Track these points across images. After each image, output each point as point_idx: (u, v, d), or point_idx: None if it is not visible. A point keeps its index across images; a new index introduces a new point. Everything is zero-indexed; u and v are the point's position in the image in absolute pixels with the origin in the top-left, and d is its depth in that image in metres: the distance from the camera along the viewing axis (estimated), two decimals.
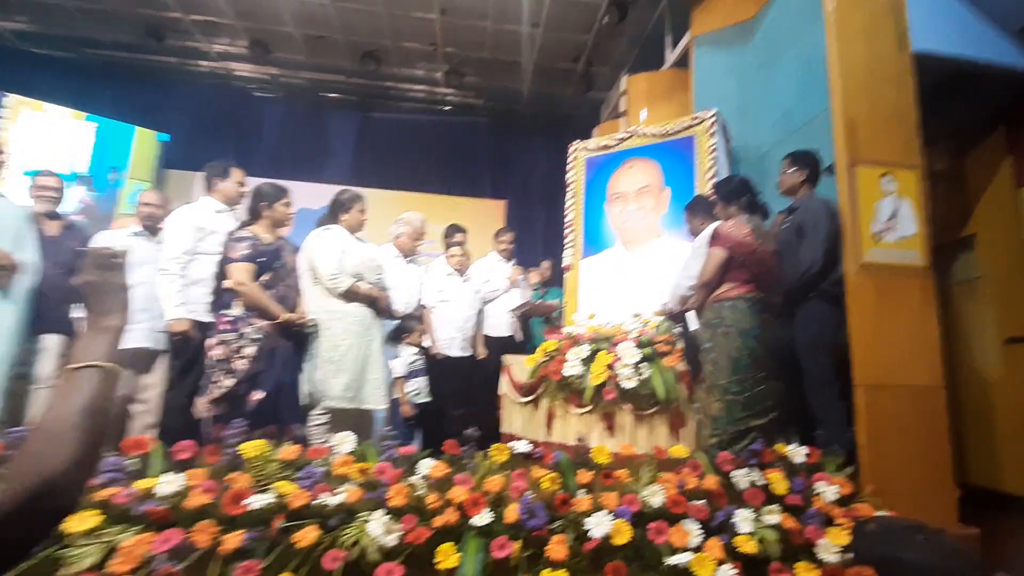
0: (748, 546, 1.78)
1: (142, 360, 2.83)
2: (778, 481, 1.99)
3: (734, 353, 2.23)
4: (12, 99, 5.24)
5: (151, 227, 3.02)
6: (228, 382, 2.36)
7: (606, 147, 3.87)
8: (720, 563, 1.72)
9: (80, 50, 6.09)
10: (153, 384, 2.83)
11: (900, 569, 1.57)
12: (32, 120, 5.24)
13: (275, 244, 2.61)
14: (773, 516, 1.89)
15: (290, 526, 1.54)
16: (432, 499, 1.72)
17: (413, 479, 1.79)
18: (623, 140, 3.80)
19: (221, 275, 2.51)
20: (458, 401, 3.39)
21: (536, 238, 6.75)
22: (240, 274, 2.43)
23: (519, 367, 3.06)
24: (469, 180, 7.01)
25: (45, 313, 2.81)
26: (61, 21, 5.63)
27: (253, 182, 2.84)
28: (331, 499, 1.62)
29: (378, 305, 2.86)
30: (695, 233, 2.85)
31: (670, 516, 1.83)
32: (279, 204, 2.65)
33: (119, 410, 2.80)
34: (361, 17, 5.37)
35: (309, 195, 5.82)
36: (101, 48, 6.05)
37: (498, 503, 1.79)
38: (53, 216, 2.99)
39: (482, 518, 1.69)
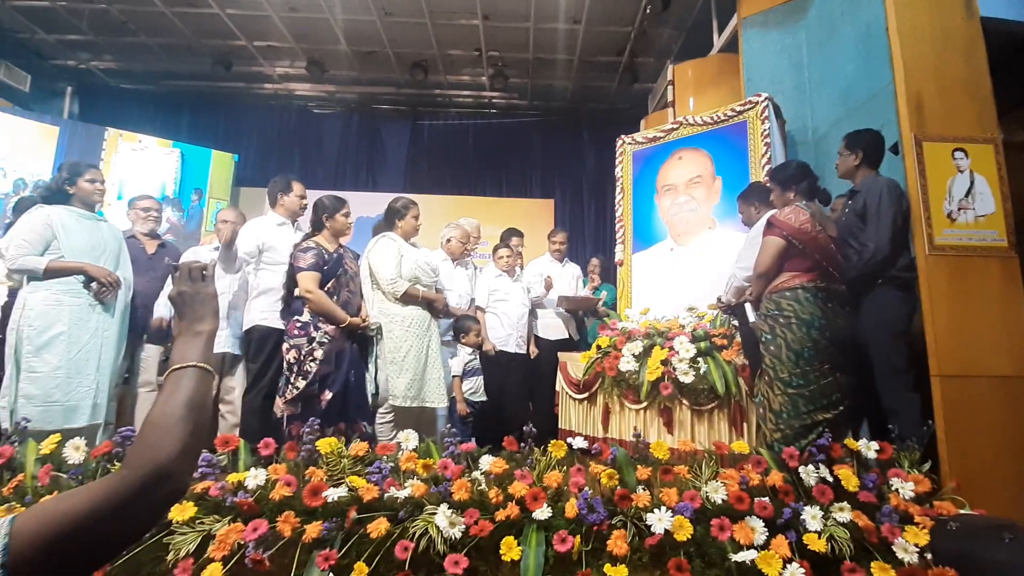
0: (817, 544, 1.73)
1: (224, 364, 3.10)
2: (848, 477, 1.91)
3: (796, 345, 2.16)
4: (111, 132, 5.81)
5: (227, 244, 3.28)
6: (301, 383, 2.53)
7: (654, 139, 3.82)
8: (787, 561, 1.69)
9: (160, 83, 6.65)
10: (235, 387, 3.08)
11: (985, 569, 1.48)
12: (128, 150, 5.80)
13: (337, 253, 2.77)
14: (844, 514, 1.82)
15: (363, 518, 1.65)
16: (493, 494, 1.78)
17: (475, 474, 1.86)
18: (671, 131, 3.73)
19: (291, 284, 2.70)
20: (513, 398, 3.46)
21: (586, 235, 6.74)
22: (307, 282, 2.60)
23: (574, 364, 3.09)
24: (518, 181, 7.09)
25: (147, 324, 3.14)
26: (142, 57, 6.17)
27: (315, 195, 3.02)
28: (399, 493, 1.72)
29: (435, 307, 2.99)
30: (750, 222, 2.77)
31: (733, 513, 1.80)
32: (339, 215, 2.81)
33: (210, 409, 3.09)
34: (408, 29, 5.56)
35: (366, 204, 6.10)
36: (178, 79, 6.58)
37: (557, 498, 1.83)
38: (152, 236, 3.33)
39: (542, 512, 1.74)
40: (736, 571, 1.66)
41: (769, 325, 2.24)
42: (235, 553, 1.56)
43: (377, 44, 5.82)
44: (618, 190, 3.91)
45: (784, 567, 1.66)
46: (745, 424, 2.46)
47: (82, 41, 5.89)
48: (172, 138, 6.21)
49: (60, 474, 1.80)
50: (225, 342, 3.05)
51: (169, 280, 2.77)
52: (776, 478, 1.91)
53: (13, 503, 1.72)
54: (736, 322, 2.61)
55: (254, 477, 1.71)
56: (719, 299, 2.69)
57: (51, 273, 2.57)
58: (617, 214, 3.89)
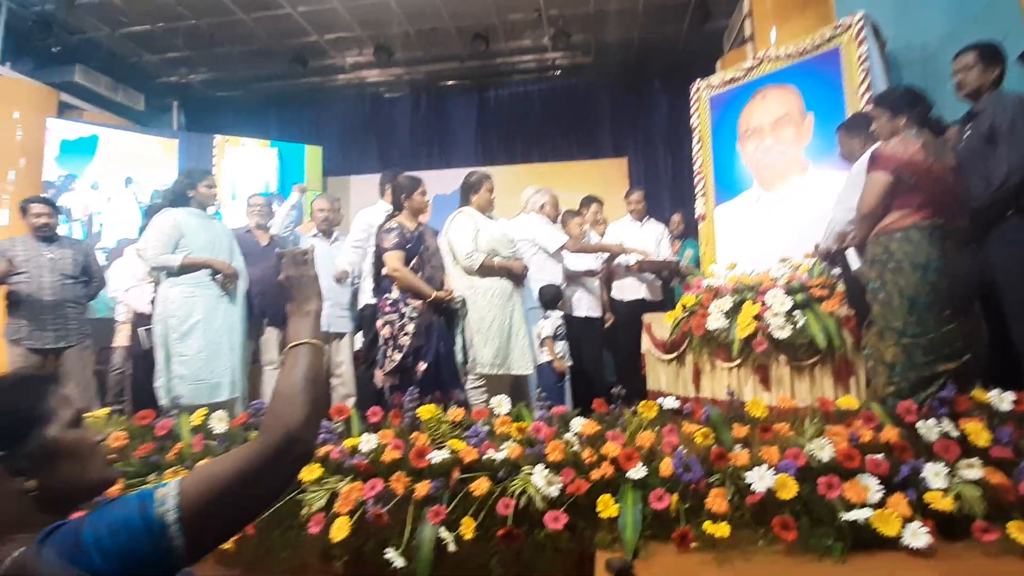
0: (942, 503, 1.61)
1: (331, 342, 3.40)
2: (978, 432, 1.74)
3: (909, 291, 1.96)
4: (217, 139, 6.40)
5: (326, 230, 3.56)
6: (396, 356, 2.71)
7: (732, 80, 3.54)
8: (908, 520, 1.59)
9: (249, 87, 7.16)
10: (343, 361, 3.39)
11: None
12: (234, 153, 6.38)
13: (418, 230, 2.89)
14: (974, 471, 1.68)
15: (465, 478, 1.77)
16: (587, 454, 1.83)
17: (567, 436, 1.92)
18: (751, 69, 3.44)
19: (379, 264, 2.87)
20: (589, 363, 3.49)
21: (663, 192, 6.46)
22: (393, 261, 2.75)
23: (659, 325, 3.03)
24: (588, 142, 6.90)
25: (267, 309, 3.50)
26: (231, 65, 6.65)
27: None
28: (496, 455, 1.81)
29: (515, 275, 3.05)
30: (852, 158, 2.52)
31: (842, 471, 1.71)
32: (416, 194, 2.93)
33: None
34: (467, 1, 5.51)
35: (440, 181, 6.24)
36: (263, 82, 7.05)
37: (651, 458, 1.84)
38: (263, 228, 3.67)
39: (637, 472, 1.76)
40: (848, 530, 1.59)
41: (877, 271, 2.05)
42: (357, 508, 1.73)
43: (437, 20, 5.84)
44: (695, 140, 3.70)
45: (904, 526, 1.57)
46: (852, 379, 2.31)
47: (180, 57, 6.46)
48: (267, 137, 6.70)
49: (210, 441, 2.08)
50: (331, 321, 3.33)
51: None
52: (891, 434, 1.78)
53: (176, 467, 2.02)
54: (838, 271, 2.42)
55: (366, 442, 1.88)
56: (817, 247, 2.50)
57: (184, 269, 2.93)
58: (695, 166, 3.69)
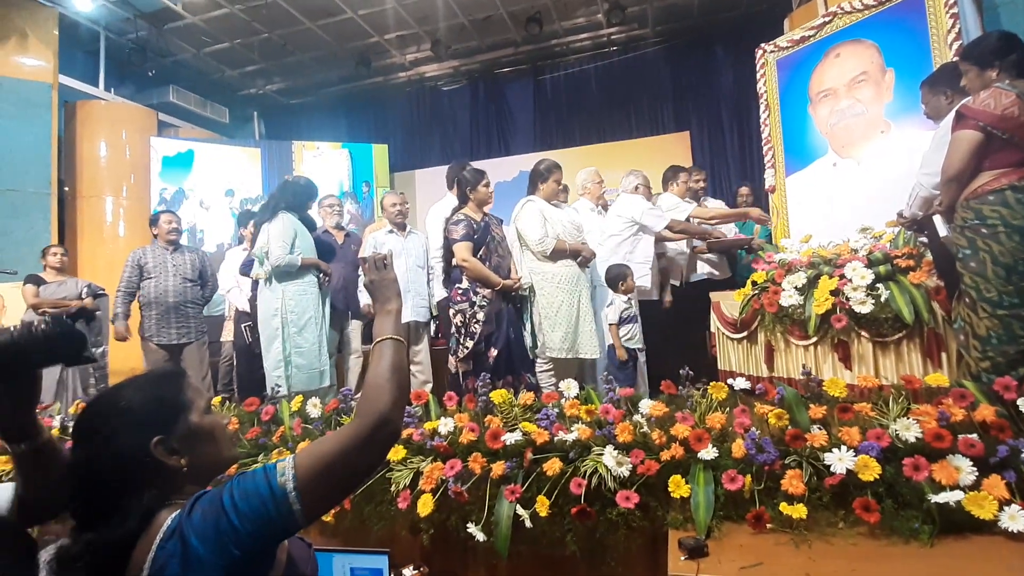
0: None
1: (410, 332, 3.61)
2: None
3: (1005, 258, 1.81)
4: (295, 145, 6.85)
5: (399, 224, 3.76)
6: (469, 343, 2.84)
7: (802, 40, 3.31)
8: (1005, 503, 1.50)
9: (319, 92, 7.57)
10: (421, 349, 3.60)
11: None
12: (310, 157, 6.81)
13: (484, 221, 2.99)
14: None
15: (538, 458, 1.86)
16: (656, 435, 1.86)
17: (636, 418, 1.96)
18: (823, 25, 3.20)
19: (448, 255, 3.00)
20: (653, 344, 3.46)
21: (730, 164, 6.17)
22: (462, 252, 2.87)
23: (728, 303, 2.96)
24: (648, 118, 6.70)
25: (349, 302, 3.78)
26: (302, 73, 7.06)
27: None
28: (567, 436, 1.89)
29: (582, 257, 3.10)
30: (938, 116, 2.32)
31: (930, 452, 1.64)
32: (480, 186, 3.02)
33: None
34: None
35: (500, 169, 6.33)
36: (332, 86, 7.42)
37: (722, 439, 1.84)
38: (339, 228, 3.95)
39: (708, 453, 1.76)
40: (937, 513, 1.53)
41: (968, 238, 1.90)
42: (439, 486, 1.88)
43: (490, 8, 5.86)
44: (762, 107, 3.51)
45: (1001, 509, 1.49)
46: (943, 354, 2.16)
47: (257, 69, 6.93)
48: (337, 140, 7.08)
49: (307, 425, 2.32)
50: (411, 312, 3.54)
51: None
52: (986, 412, 1.68)
53: (280, 448, 2.27)
54: (925, 239, 2.26)
55: (444, 425, 2.02)
56: (900, 214, 2.33)
57: (303, 268, 3.23)
58: (764, 135, 3.51)
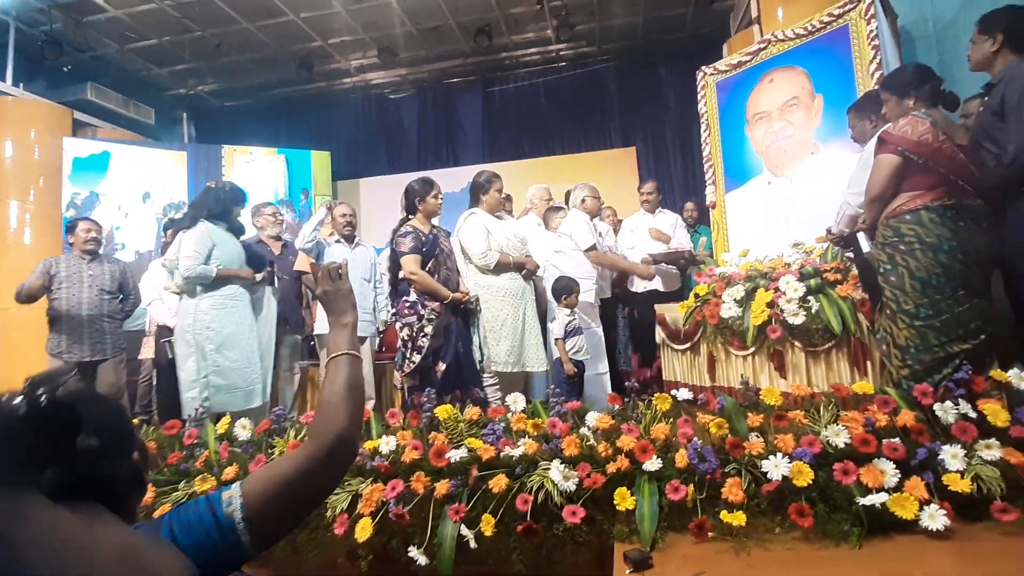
0: (960, 484, 1.61)
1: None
2: (996, 412, 1.73)
3: (921, 272, 1.94)
4: (226, 149, 6.51)
5: (348, 235, 3.61)
6: (416, 357, 2.75)
7: (739, 64, 3.50)
8: (925, 503, 1.59)
9: (256, 95, 7.25)
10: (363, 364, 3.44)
11: None
12: (242, 163, 6.48)
13: (432, 233, 2.93)
14: (992, 451, 1.67)
15: (484, 475, 1.81)
16: (602, 448, 1.85)
17: (582, 431, 1.95)
18: (758, 51, 3.39)
19: (395, 268, 2.91)
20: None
21: (674, 180, 6.41)
22: (410, 265, 2.79)
23: (673, 315, 3.04)
24: (597, 133, 6.86)
25: (286, 316, 3.58)
26: (237, 74, 6.75)
27: (403, 179, 3.20)
28: (514, 451, 1.85)
29: (527, 270, 3.09)
30: (863, 140, 2.49)
31: (858, 456, 1.72)
32: (429, 197, 2.95)
33: None
34: None
35: (450, 180, 6.27)
36: (270, 89, 7.13)
37: (667, 450, 1.86)
38: (277, 238, 3.74)
39: (652, 464, 1.78)
40: (865, 514, 1.60)
41: (888, 254, 2.03)
42: (380, 509, 1.79)
43: (440, 18, 5.84)
44: (703, 127, 3.66)
45: (921, 509, 1.58)
46: (868, 363, 2.29)
47: (188, 69, 6.56)
48: (275, 145, 6.79)
49: (235, 449, 2.15)
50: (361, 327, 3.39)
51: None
52: (907, 417, 1.78)
53: (204, 474, 2.10)
54: (851, 254, 2.40)
55: (386, 444, 1.93)
56: (829, 231, 2.48)
57: (217, 280, 2.98)
58: (705, 153, 3.66)
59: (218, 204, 3.09)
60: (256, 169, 6.46)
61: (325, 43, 6.18)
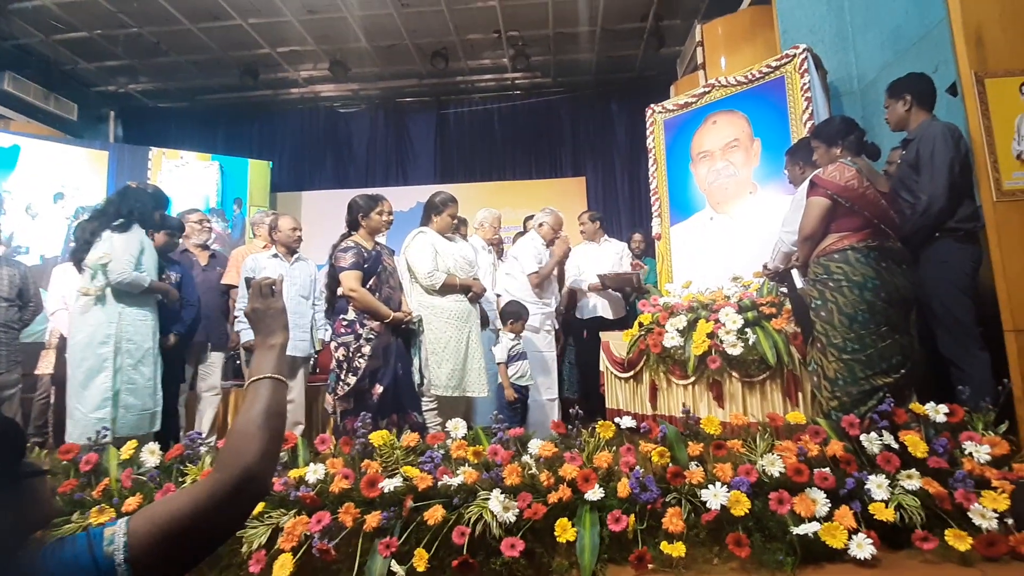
0: (885, 514, 1.67)
1: (287, 368, 3.24)
2: (916, 443, 1.83)
3: (848, 309, 2.06)
4: (154, 151, 6.10)
5: (292, 249, 3.41)
6: (351, 379, 2.60)
7: (685, 105, 3.67)
8: (853, 532, 1.64)
9: (195, 99, 6.90)
10: (294, 387, 3.22)
11: None
12: (171, 167, 6.08)
13: (375, 250, 2.82)
14: (913, 481, 1.75)
15: (419, 506, 1.70)
16: (544, 477, 1.80)
17: (525, 459, 1.88)
18: (703, 94, 3.58)
19: (334, 284, 2.77)
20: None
21: (621, 210, 6.61)
22: (350, 281, 2.66)
23: (617, 343, 3.06)
24: (548, 161, 7.01)
25: (209, 332, 3.30)
26: (175, 75, 6.41)
27: (348, 194, 3.07)
28: (452, 480, 1.76)
29: (473, 293, 3.03)
30: (796, 182, 2.65)
31: (792, 485, 1.76)
32: (373, 213, 2.84)
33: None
34: (425, 18, 5.53)
35: (398, 198, 6.16)
36: (211, 93, 6.81)
37: (609, 478, 1.83)
38: (204, 247, 3.49)
39: (594, 493, 1.74)
40: (798, 544, 1.62)
41: (818, 290, 2.14)
42: (303, 544, 1.64)
43: (396, 37, 5.82)
44: (651, 161, 3.79)
45: (850, 538, 1.62)
46: (800, 394, 2.38)
47: (120, 66, 6.17)
48: (211, 151, 6.45)
49: (140, 476, 1.93)
50: (290, 346, 3.15)
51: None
52: (836, 448, 1.84)
53: (103, 505, 1.86)
54: (785, 289, 2.51)
55: (314, 472, 1.79)
56: (765, 266, 2.59)
57: (148, 291, 2.73)
58: (652, 186, 3.78)
59: (144, 207, 2.84)
60: (187, 175, 6.09)
61: (273, 51, 6.00)
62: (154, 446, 2.00)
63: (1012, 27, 2.18)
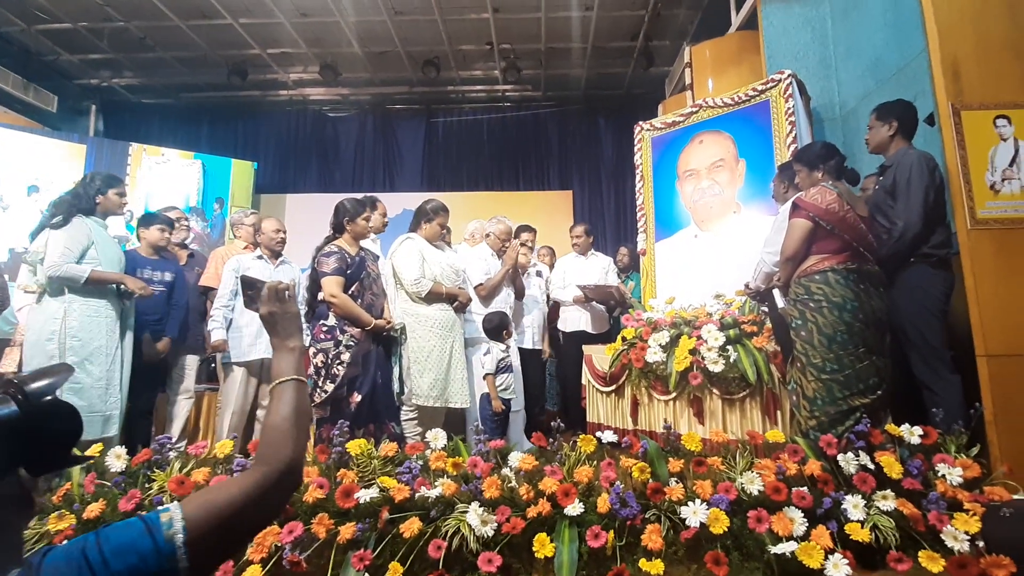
0: (860, 534, 1.68)
1: (263, 370, 3.16)
2: (891, 464, 1.85)
3: (828, 329, 2.09)
4: (135, 147, 5.97)
5: (276, 252, 3.35)
6: (329, 387, 2.55)
7: (673, 124, 3.73)
8: (829, 552, 1.64)
9: (180, 96, 6.80)
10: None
11: None
12: (152, 164, 5.95)
13: (359, 256, 2.78)
14: (888, 502, 1.77)
15: (395, 518, 1.66)
16: (524, 491, 1.77)
17: (505, 472, 1.86)
18: (690, 114, 3.64)
19: (314, 288, 2.72)
20: (531, 395, 3.45)
21: (607, 225, 6.67)
22: (331, 287, 2.61)
23: (600, 357, 3.06)
24: (535, 174, 7.04)
25: (184, 333, 3.21)
26: (161, 71, 6.31)
27: (334, 198, 3.04)
28: (430, 492, 1.72)
29: (459, 302, 3.00)
30: (780, 200, 2.70)
31: (770, 504, 1.76)
32: (360, 219, 2.81)
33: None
34: (418, 27, 5.55)
35: (384, 204, 6.10)
36: (196, 91, 6.71)
37: (589, 493, 1.81)
38: (181, 246, 3.41)
39: (574, 508, 1.72)
40: (776, 563, 1.62)
41: (799, 310, 2.17)
42: (272, 556, 1.58)
43: (388, 44, 5.82)
44: (638, 178, 3.84)
45: (826, 558, 1.62)
46: (779, 412, 2.40)
47: (104, 59, 6.05)
48: (193, 149, 6.34)
49: (104, 482, 1.85)
50: (265, 349, 3.10)
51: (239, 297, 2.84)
52: (814, 467, 1.86)
53: (63, 510, 1.78)
54: (766, 308, 2.54)
55: None
56: (747, 285, 2.62)
57: (92, 282, 2.62)
58: (638, 202, 3.82)
59: (79, 199, 2.74)
60: (167, 172, 5.96)
61: (263, 52, 5.95)
62: (120, 450, 1.92)
63: (986, 62, 2.26)
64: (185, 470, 1.87)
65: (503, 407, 3.02)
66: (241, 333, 3.12)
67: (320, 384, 2.55)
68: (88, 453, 1.95)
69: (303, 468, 0.89)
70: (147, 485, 1.85)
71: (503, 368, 3.05)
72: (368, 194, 3.38)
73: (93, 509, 1.75)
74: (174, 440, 2.10)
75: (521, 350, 3.53)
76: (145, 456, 1.92)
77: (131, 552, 0.67)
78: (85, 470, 1.88)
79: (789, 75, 3.21)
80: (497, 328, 3.09)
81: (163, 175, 5.91)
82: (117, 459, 1.89)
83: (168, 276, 3.14)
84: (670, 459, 1.93)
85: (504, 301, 3.38)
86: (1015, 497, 1.76)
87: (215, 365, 3.57)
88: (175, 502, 0.75)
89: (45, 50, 5.83)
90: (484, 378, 3.03)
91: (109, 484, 1.83)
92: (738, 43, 4.27)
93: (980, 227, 2.16)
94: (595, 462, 1.94)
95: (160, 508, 0.74)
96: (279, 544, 1.59)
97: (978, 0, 2.29)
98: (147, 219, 3.18)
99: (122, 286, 2.72)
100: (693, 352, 2.51)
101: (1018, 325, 2.07)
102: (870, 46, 3.11)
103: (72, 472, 1.88)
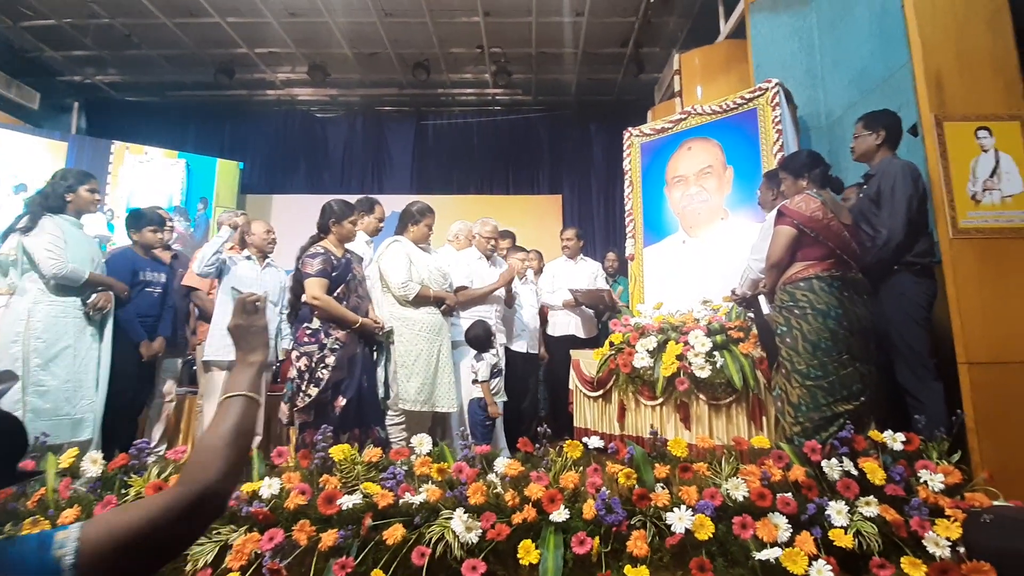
0: (844, 540, 1.69)
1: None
2: (874, 470, 1.86)
3: (812, 336, 2.10)
4: (117, 145, 5.87)
5: (265, 253, 3.30)
6: (313, 391, 2.51)
7: (662, 130, 3.75)
8: (813, 558, 1.64)
9: (165, 94, 6.71)
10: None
11: (1022, 563, 1.43)
12: (135, 162, 5.86)
13: (345, 258, 2.75)
14: (871, 508, 1.78)
15: (379, 524, 1.64)
16: (509, 496, 1.76)
17: (490, 477, 1.84)
18: (679, 121, 3.67)
19: (298, 290, 2.68)
20: (523, 398, 3.43)
21: (596, 230, 6.69)
22: (314, 288, 2.58)
23: (587, 362, 3.05)
24: (525, 177, 7.06)
25: (175, 334, 3.15)
26: (146, 69, 6.23)
27: (321, 200, 3.00)
28: (414, 498, 1.70)
29: (446, 306, 2.97)
30: (767, 206, 2.71)
31: (755, 510, 1.76)
32: (347, 221, 2.79)
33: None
34: (409, 29, 5.54)
35: None
36: (182, 90, 6.64)
37: (575, 499, 1.80)
38: (166, 247, 3.35)
39: (560, 514, 1.71)
40: (760, 569, 1.62)
41: (784, 317, 2.18)
42: (252, 563, 1.55)
43: (378, 45, 5.80)
44: (627, 183, 3.85)
45: (810, 564, 1.63)
46: (764, 418, 2.41)
47: (88, 56, 5.96)
48: (178, 148, 6.27)
49: (79, 488, 1.81)
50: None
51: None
52: (798, 473, 1.86)
53: (37, 516, 1.73)
54: (752, 314, 2.56)
55: (268, 486, 1.71)
56: (733, 291, 2.63)
57: (90, 284, 2.59)
58: (627, 208, 3.83)
59: (57, 192, 2.69)
60: (150, 171, 5.89)
61: (251, 51, 5.90)
62: (96, 455, 1.88)
63: (968, 75, 2.30)
64: (163, 475, 1.83)
65: (500, 412, 3.00)
66: (223, 331, 3.07)
67: (304, 388, 2.51)
68: (63, 458, 1.90)
69: (230, 494, 0.81)
70: (124, 491, 1.81)
71: (495, 373, 3.03)
72: (367, 195, 3.35)
73: (68, 515, 1.70)
74: (154, 444, 2.06)
75: (518, 355, 3.52)
76: (122, 461, 1.87)
77: (21, 567, 0.65)
78: (60, 475, 1.83)
79: (776, 84, 3.24)
80: (479, 340, 3.04)
81: (146, 174, 5.83)
82: (93, 464, 1.85)
83: (163, 277, 3.10)
84: (656, 465, 1.93)
85: (488, 310, 3.35)
86: (995, 503, 1.78)
87: (196, 367, 3.51)
88: (81, 522, 0.70)
89: (29, 46, 5.73)
90: (477, 384, 2.99)
91: (84, 490, 1.79)
92: (727, 52, 4.32)
93: (962, 236, 2.19)
94: (581, 468, 1.93)
95: (63, 526, 0.70)
96: (259, 551, 1.56)
97: (960, 15, 2.33)
98: (136, 218, 3.12)
99: (93, 295, 2.66)
100: (680, 358, 2.52)
101: (999, 333, 2.10)
102: (856, 57, 3.15)
103: (48, 477, 1.83)
